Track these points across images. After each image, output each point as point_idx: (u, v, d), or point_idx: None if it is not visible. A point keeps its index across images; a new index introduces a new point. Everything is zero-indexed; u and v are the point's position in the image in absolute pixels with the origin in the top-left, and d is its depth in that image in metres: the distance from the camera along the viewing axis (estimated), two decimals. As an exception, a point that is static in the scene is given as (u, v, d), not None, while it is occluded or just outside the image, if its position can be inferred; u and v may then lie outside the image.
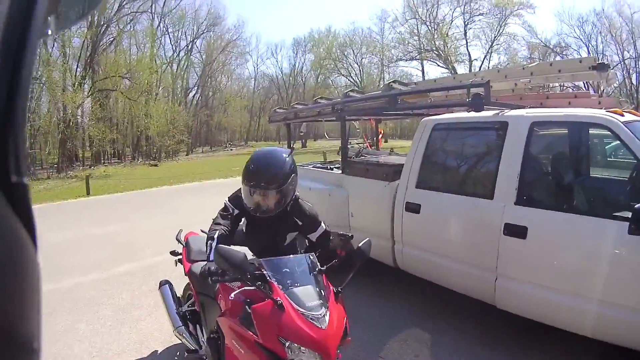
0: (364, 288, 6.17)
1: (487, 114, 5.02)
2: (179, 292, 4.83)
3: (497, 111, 4.98)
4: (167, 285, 4.78)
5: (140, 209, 14.11)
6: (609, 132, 3.98)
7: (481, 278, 4.61)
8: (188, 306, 4.45)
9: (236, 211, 3.59)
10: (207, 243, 3.37)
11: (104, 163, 40.51)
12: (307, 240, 3.80)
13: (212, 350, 3.47)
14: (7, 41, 0.51)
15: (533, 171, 4.59)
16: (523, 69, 6.86)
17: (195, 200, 14.54)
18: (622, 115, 4.02)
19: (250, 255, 3.48)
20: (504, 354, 4.51)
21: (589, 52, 43.24)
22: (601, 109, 4.60)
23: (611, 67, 6.84)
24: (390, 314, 5.51)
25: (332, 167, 7.85)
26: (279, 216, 3.49)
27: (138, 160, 43.18)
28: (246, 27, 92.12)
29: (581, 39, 45.80)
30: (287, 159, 3.46)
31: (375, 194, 5.96)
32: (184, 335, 4.19)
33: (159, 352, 4.88)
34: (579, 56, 38.41)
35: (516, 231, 4.24)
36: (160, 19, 51.19)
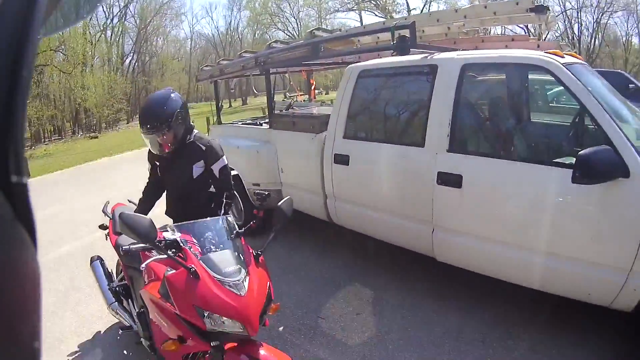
0: (303, 245, 6.03)
1: (415, 57, 4.71)
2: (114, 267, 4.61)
3: (425, 54, 4.66)
4: (97, 261, 4.56)
5: (79, 185, 13.61)
6: (548, 76, 3.70)
7: (417, 230, 4.40)
8: (119, 281, 4.23)
9: (149, 165, 3.90)
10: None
11: (44, 141, 39.13)
12: (212, 177, 3.76)
13: (143, 325, 3.30)
14: (8, 41, 0.50)
15: (466, 117, 4.33)
16: (456, 11, 6.58)
17: (134, 169, 13.90)
18: (562, 57, 3.75)
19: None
20: (451, 306, 4.39)
21: (531, 1, 43.58)
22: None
23: (550, 11, 6.63)
24: (331, 272, 5.35)
25: (261, 122, 7.53)
26: (181, 150, 3.62)
27: (79, 134, 41.92)
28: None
29: (523, -11, 45.85)
30: (172, 95, 3.52)
31: (303, 147, 5.68)
32: (117, 311, 4.01)
33: (101, 332, 4.67)
34: (520, 5, 38.83)
35: (450, 180, 4.00)
36: (93, -16, 49.12)
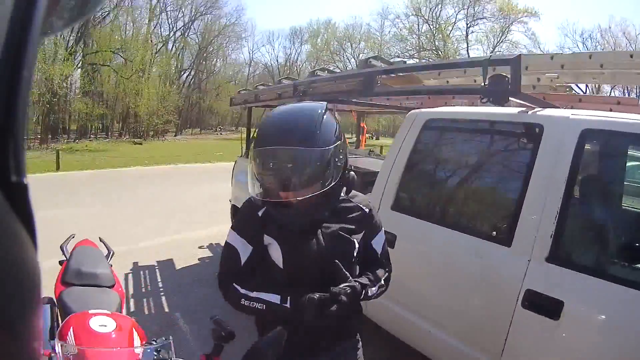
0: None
1: (508, 110, 3.32)
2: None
3: (523, 108, 3.26)
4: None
5: (98, 191, 12.86)
6: None
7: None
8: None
9: (249, 248, 1.93)
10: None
11: (89, 137, 40.93)
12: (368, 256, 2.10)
13: None
14: (8, 41, 0.49)
15: (584, 209, 2.94)
16: (552, 58, 5.12)
17: (161, 186, 13.68)
18: None
19: None
20: None
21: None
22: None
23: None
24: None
25: None
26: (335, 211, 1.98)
27: (125, 137, 43.63)
28: (245, 12, 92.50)
29: (584, 55, 46.32)
30: (322, 113, 1.86)
31: None
32: None
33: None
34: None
35: (544, 305, 2.58)
36: (160, -4, 51.59)
